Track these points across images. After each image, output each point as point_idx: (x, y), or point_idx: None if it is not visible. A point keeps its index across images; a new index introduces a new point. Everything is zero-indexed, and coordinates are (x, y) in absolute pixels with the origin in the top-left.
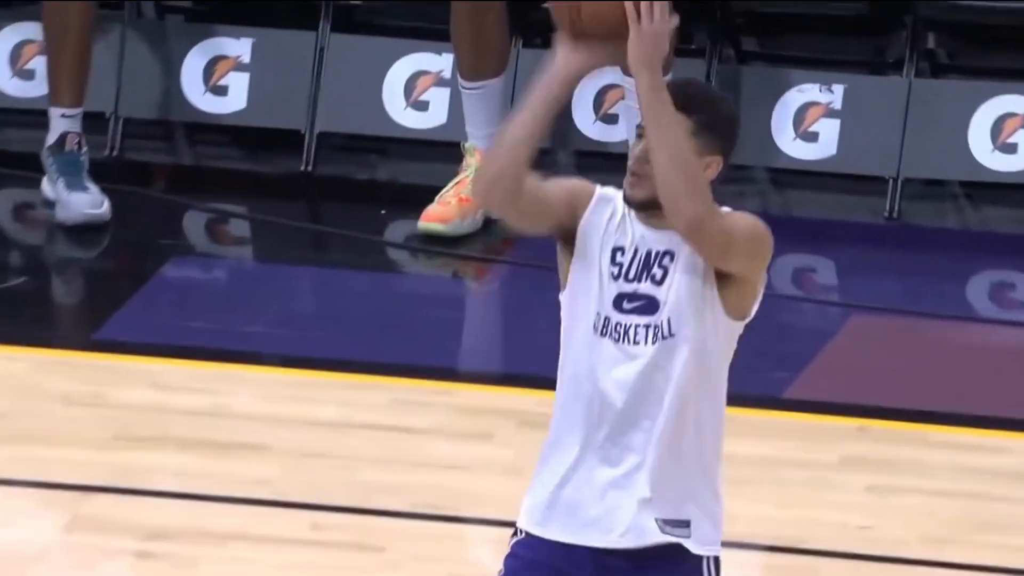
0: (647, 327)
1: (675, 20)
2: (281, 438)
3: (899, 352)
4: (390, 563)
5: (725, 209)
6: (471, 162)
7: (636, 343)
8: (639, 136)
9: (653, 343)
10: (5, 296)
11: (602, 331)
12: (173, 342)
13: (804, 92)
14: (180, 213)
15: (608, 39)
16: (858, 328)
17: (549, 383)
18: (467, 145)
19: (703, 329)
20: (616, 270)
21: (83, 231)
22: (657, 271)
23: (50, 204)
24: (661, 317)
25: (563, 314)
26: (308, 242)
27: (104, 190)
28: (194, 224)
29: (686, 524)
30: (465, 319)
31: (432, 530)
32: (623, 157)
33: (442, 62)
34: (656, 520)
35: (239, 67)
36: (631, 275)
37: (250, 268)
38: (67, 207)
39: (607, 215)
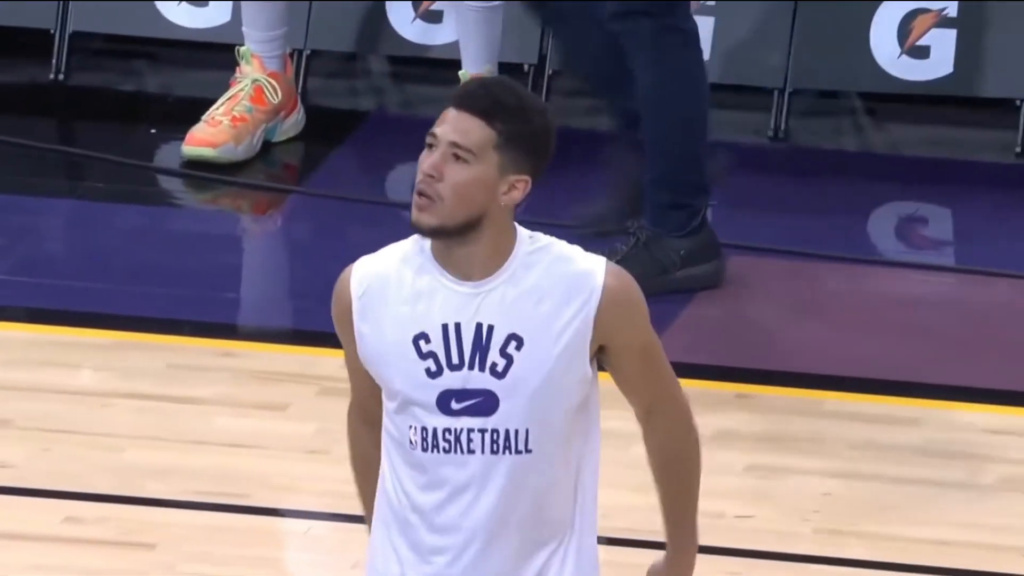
0: (483, 432)
1: None
2: (26, 412)
3: (787, 303)
4: (162, 564)
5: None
6: (247, 71)
7: (471, 452)
8: (429, 145)
9: (493, 453)
10: None
11: (423, 446)
12: None
13: None
14: None
15: None
16: (736, 273)
17: None
18: (242, 50)
19: (572, 426)
20: (432, 365)
21: None
22: (498, 359)
23: None
24: (503, 423)
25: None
26: (59, 168)
27: None
28: None
29: None
30: (254, 263)
31: (215, 522)
32: (450, 65)
33: None
34: None
35: None
36: (455, 361)
37: None
38: None
39: (385, 298)
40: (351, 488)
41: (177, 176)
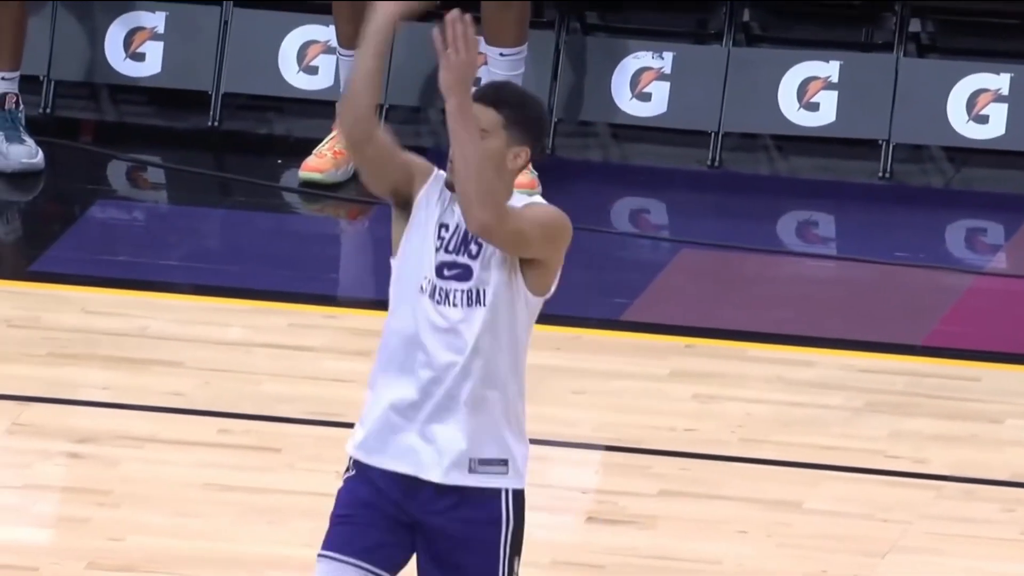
0: (463, 292)
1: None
2: (193, 356)
3: (721, 280)
4: (285, 463)
5: (527, 200)
6: None
7: (454, 305)
8: None
9: (468, 305)
10: None
11: (424, 291)
12: (99, 273)
13: (639, 59)
14: (105, 162)
15: None
16: (686, 260)
17: None
18: None
19: (509, 300)
20: (439, 243)
21: (21, 178)
22: (473, 247)
23: None
24: (474, 285)
25: (393, 275)
26: (214, 188)
27: (39, 143)
28: (117, 172)
29: (503, 463)
30: (348, 253)
31: (321, 434)
32: None
33: (329, 32)
34: (472, 460)
35: (154, 37)
36: (451, 247)
37: (165, 210)
38: (6, 157)
39: (438, 194)
40: None
41: (296, 192)
